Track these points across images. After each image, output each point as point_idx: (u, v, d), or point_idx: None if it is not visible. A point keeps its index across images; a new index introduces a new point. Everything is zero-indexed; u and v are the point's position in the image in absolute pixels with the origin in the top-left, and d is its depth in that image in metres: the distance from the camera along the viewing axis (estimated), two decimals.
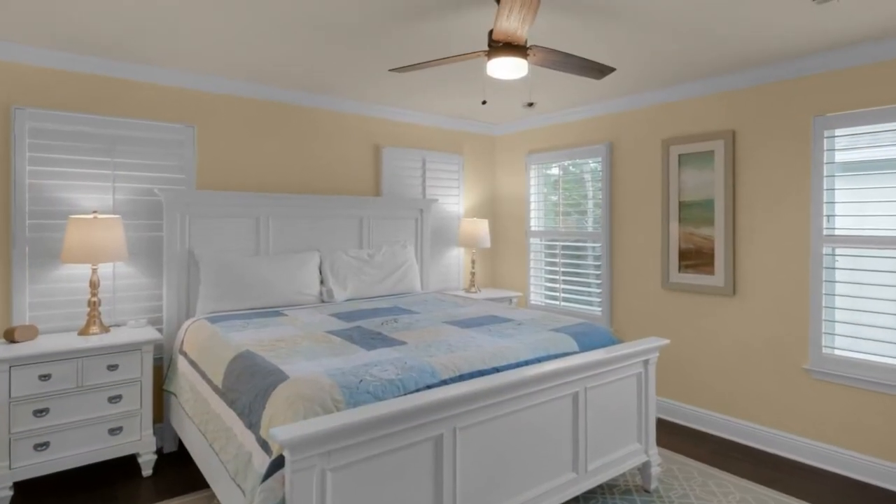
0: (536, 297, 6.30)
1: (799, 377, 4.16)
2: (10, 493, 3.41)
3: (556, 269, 6.02)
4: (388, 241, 5.57)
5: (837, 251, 3.99)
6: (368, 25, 3.45)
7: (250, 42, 3.76)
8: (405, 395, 2.61)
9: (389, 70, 3.45)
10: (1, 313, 3.84)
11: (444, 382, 2.80)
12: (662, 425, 4.83)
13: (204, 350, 3.49)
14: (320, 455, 2.22)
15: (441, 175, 6.18)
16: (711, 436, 4.60)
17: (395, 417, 2.38)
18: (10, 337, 3.62)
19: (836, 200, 3.98)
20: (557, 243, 6.00)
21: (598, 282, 5.58)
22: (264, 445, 2.45)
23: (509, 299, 6.02)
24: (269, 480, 2.25)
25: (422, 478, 2.52)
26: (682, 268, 4.81)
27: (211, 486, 3.24)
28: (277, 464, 2.27)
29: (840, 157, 4.00)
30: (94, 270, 3.90)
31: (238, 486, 2.63)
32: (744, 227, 4.45)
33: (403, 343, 3.28)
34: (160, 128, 4.40)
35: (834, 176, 4.00)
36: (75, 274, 4.07)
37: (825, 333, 4.03)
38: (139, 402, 3.81)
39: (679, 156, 4.83)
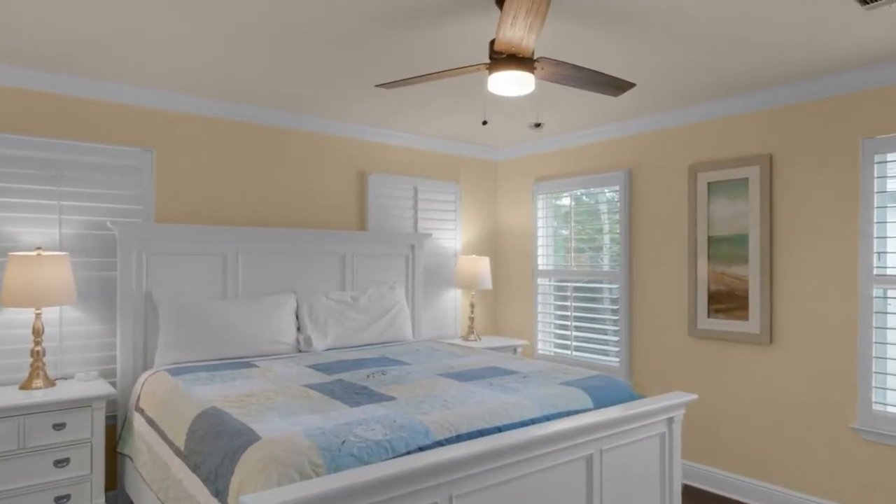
0: (545, 345, 6.35)
1: (845, 437, 4.19)
2: None
3: (568, 313, 6.08)
4: (375, 282, 5.64)
5: (890, 293, 4.05)
6: (351, 35, 3.51)
7: (216, 54, 3.83)
8: (394, 458, 2.64)
9: (376, 86, 3.51)
10: None
11: (439, 444, 2.83)
12: (689, 493, 4.84)
13: (164, 406, 3.52)
14: None
15: (435, 206, 6.28)
16: None
17: (384, 484, 2.40)
18: None
19: (888, 235, 4.04)
20: (569, 284, 6.07)
21: (616, 328, 5.64)
22: None
23: (514, 348, 6.06)
24: None
25: None
26: (712, 312, 4.88)
27: None
28: None
29: (893, 185, 4.05)
30: (38, 315, 3.95)
31: None
32: (782, 265, 4.52)
33: (392, 398, 3.32)
34: (113, 152, 4.48)
35: (886, 207, 4.05)
36: (16, 319, 4.11)
37: (876, 388, 4.07)
38: (89, 466, 3.83)
39: (708, 184, 4.93)
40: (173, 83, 4.43)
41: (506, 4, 2.58)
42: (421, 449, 2.76)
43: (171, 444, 3.27)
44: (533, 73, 3.11)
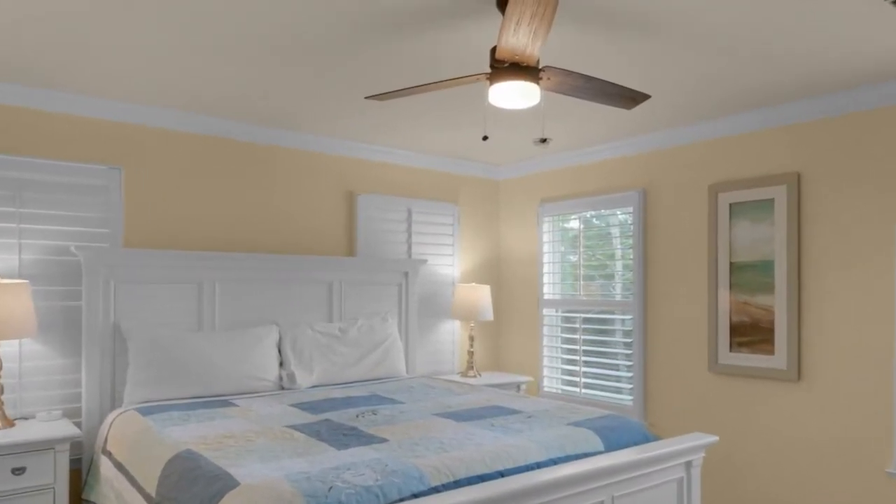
0: (551, 382, 6.37)
1: (881, 483, 4.20)
2: None
3: (576, 347, 6.11)
4: (365, 313, 5.67)
5: None
6: (338, 43, 3.54)
7: (191, 63, 3.85)
8: None
9: (366, 98, 3.53)
10: None
11: (435, 490, 2.85)
12: None
13: (134, 449, 3.54)
14: None
15: (431, 229, 6.33)
16: None
17: None
18: None
19: None
20: (577, 315, 6.10)
21: (629, 363, 5.66)
22: None
23: (517, 385, 6.08)
24: None
25: None
26: (734, 346, 4.91)
27: None
28: None
29: None
30: None
31: None
32: (811, 294, 4.56)
33: (384, 440, 3.35)
34: (78, 170, 4.52)
35: None
36: None
37: None
38: None
39: (730, 205, 4.97)
40: (143, 95, 4.46)
41: (508, 8, 2.56)
42: (415, 496, 2.78)
43: (141, 490, 3.28)
44: (538, 83, 3.12)
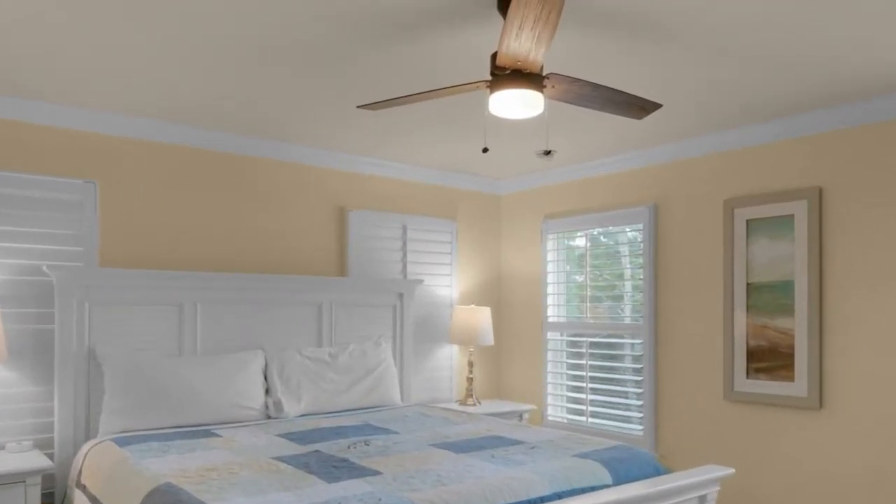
0: (556, 411, 6.39)
1: None
2: None
3: (583, 373, 6.13)
4: (357, 337, 5.69)
5: None
6: (330, 48, 3.56)
7: (169, 69, 3.87)
8: None
9: (358, 107, 3.54)
10: None
11: None
12: None
13: (109, 482, 3.55)
14: None
15: (428, 247, 6.37)
16: None
17: None
18: None
19: None
20: (584, 339, 6.13)
21: (639, 391, 5.68)
22: None
23: (519, 414, 6.09)
24: None
25: None
26: (752, 372, 4.92)
27: None
28: None
29: None
30: None
31: None
32: (834, 317, 4.57)
33: (377, 473, 3.36)
34: (49, 184, 4.53)
35: None
36: None
37: None
38: None
39: (747, 221, 4.99)
40: (120, 103, 4.48)
41: (510, 12, 2.54)
42: None
43: None
44: (542, 91, 3.13)
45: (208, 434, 4.27)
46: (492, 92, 3.12)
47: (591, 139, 5.30)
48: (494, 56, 3.02)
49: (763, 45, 3.50)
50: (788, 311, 4.75)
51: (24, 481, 3.84)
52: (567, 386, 6.32)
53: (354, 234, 5.88)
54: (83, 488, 3.87)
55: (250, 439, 4.12)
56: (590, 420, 6.07)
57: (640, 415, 5.67)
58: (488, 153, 5.63)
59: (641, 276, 5.67)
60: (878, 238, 4.36)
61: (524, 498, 3.18)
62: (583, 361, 6.13)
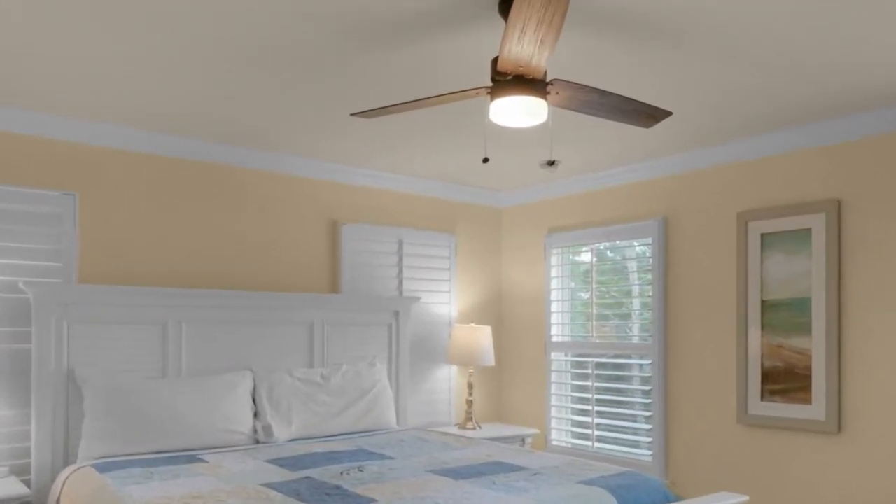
0: (560, 435, 6.39)
1: None
2: None
3: (588, 396, 6.13)
4: (350, 357, 5.69)
5: None
6: (321, 53, 3.56)
7: (153, 75, 3.87)
8: None
9: (352, 115, 3.54)
10: None
11: None
12: None
13: None
14: None
15: (425, 263, 6.38)
16: None
17: None
18: None
19: None
20: (590, 360, 6.13)
21: (648, 414, 5.69)
22: None
23: (521, 439, 6.10)
24: None
25: None
26: (766, 394, 4.93)
27: None
28: None
29: None
30: None
31: None
32: (853, 336, 4.57)
33: (372, 501, 3.37)
34: (26, 196, 4.54)
35: None
36: None
37: None
38: None
39: (762, 235, 5.00)
40: (101, 112, 4.49)
41: (512, 14, 2.52)
42: None
43: None
44: (545, 98, 3.13)
45: (193, 460, 4.27)
46: (492, 99, 3.12)
47: (598, 149, 5.31)
48: (495, 61, 3.01)
49: (779, 49, 3.50)
50: (805, 330, 4.75)
51: None
52: (572, 409, 6.33)
53: (348, 249, 5.89)
54: None
55: (238, 465, 4.12)
56: (596, 445, 6.07)
57: (649, 439, 5.68)
58: (489, 163, 5.64)
59: (650, 293, 5.69)
60: None
61: None
62: (588, 383, 6.13)
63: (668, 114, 3.53)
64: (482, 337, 6.15)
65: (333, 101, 4.30)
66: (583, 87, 3.19)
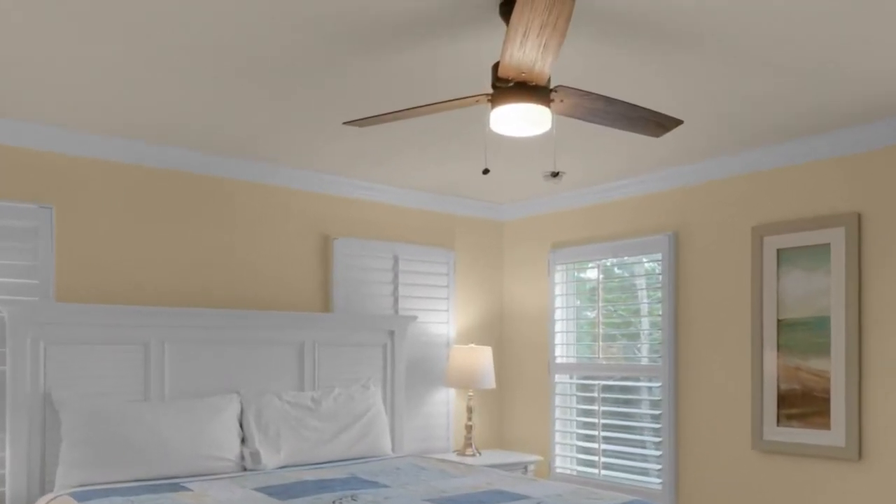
0: (564, 462, 6.38)
1: None
2: None
3: (595, 420, 6.13)
4: (343, 380, 5.68)
5: None
6: (312, 58, 3.55)
7: (134, 81, 3.86)
8: None
9: (344, 123, 3.58)
10: None
11: None
12: None
13: None
14: None
15: (422, 280, 6.39)
16: None
17: None
18: None
19: None
20: (596, 383, 6.13)
21: (658, 440, 5.68)
22: None
23: (524, 466, 6.09)
24: None
25: None
26: (783, 419, 4.93)
27: None
28: None
29: None
30: None
31: None
32: (875, 357, 4.56)
33: None
34: (0, 209, 4.53)
35: None
36: None
37: None
38: None
39: (778, 251, 5.00)
40: (79, 120, 4.48)
41: (513, 17, 2.51)
42: None
43: None
44: (549, 106, 3.12)
45: (177, 488, 4.25)
46: (493, 106, 3.11)
47: (604, 159, 5.32)
48: (496, 66, 3.01)
49: (795, 55, 3.49)
50: (824, 350, 4.75)
51: None
52: (577, 434, 6.32)
53: (340, 265, 5.89)
54: None
55: (224, 494, 4.11)
56: (602, 472, 6.06)
57: (659, 466, 5.67)
58: (489, 175, 5.65)
59: (660, 312, 5.69)
60: None
61: None
62: (595, 407, 6.13)
63: (679, 122, 3.53)
64: (482, 358, 6.15)
65: (325, 109, 4.30)
66: (588, 94, 3.19)
